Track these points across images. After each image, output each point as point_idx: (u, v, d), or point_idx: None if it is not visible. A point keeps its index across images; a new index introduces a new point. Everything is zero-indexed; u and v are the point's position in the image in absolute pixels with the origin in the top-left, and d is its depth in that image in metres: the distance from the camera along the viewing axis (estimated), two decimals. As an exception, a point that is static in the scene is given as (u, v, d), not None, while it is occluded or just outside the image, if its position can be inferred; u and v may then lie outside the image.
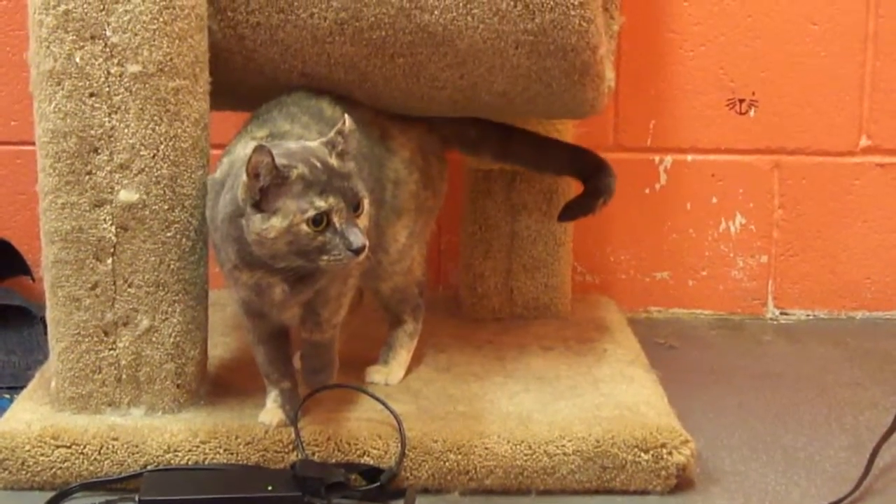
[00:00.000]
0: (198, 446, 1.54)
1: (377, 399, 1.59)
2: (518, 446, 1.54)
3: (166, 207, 1.56)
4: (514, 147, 1.84)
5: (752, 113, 2.18)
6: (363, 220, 1.43)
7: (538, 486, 1.55)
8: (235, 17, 1.60)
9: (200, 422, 1.57)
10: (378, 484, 1.50)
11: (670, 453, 1.55)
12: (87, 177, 1.54)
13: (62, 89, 1.52)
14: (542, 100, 1.67)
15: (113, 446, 1.53)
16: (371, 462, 1.53)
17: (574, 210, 1.86)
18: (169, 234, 1.57)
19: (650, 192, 2.21)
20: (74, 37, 1.51)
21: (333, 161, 1.43)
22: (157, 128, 1.54)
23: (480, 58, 1.61)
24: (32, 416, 1.59)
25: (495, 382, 1.72)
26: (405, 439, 1.53)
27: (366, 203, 1.44)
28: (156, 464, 1.53)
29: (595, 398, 1.66)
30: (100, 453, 1.53)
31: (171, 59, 1.53)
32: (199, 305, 1.61)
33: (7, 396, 1.80)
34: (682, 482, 1.57)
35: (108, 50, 1.52)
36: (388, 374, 1.74)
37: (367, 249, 1.40)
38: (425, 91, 1.65)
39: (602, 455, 1.54)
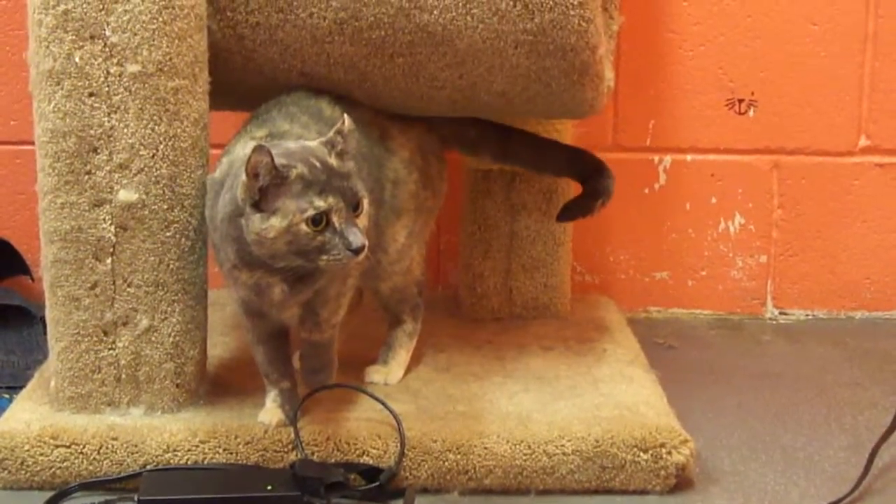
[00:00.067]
0: (197, 446, 1.54)
1: (376, 399, 1.59)
2: (517, 446, 1.54)
3: (165, 207, 1.56)
4: (514, 148, 1.84)
5: (751, 113, 2.18)
6: (362, 220, 1.43)
7: (537, 485, 1.55)
8: (235, 16, 1.60)
9: (200, 421, 1.57)
10: (377, 484, 1.50)
11: (669, 453, 1.55)
12: (87, 176, 1.54)
13: (61, 89, 1.52)
14: (542, 100, 1.67)
15: (112, 446, 1.53)
16: (370, 462, 1.53)
17: (572, 211, 1.87)
18: (168, 234, 1.57)
19: (649, 192, 2.21)
20: (74, 36, 1.51)
21: (333, 161, 1.43)
22: (156, 127, 1.54)
23: (480, 57, 1.61)
24: (32, 415, 1.59)
25: (495, 382, 1.73)
26: (404, 439, 1.53)
27: (365, 203, 1.44)
28: (155, 463, 1.53)
29: (594, 398, 1.66)
30: (99, 453, 1.53)
31: (170, 59, 1.53)
32: (199, 305, 1.61)
33: (6, 396, 1.80)
34: (682, 482, 1.57)
35: (107, 50, 1.52)
36: (388, 373, 1.74)
37: (366, 249, 1.40)
38: (425, 91, 1.65)
39: (601, 455, 1.54)
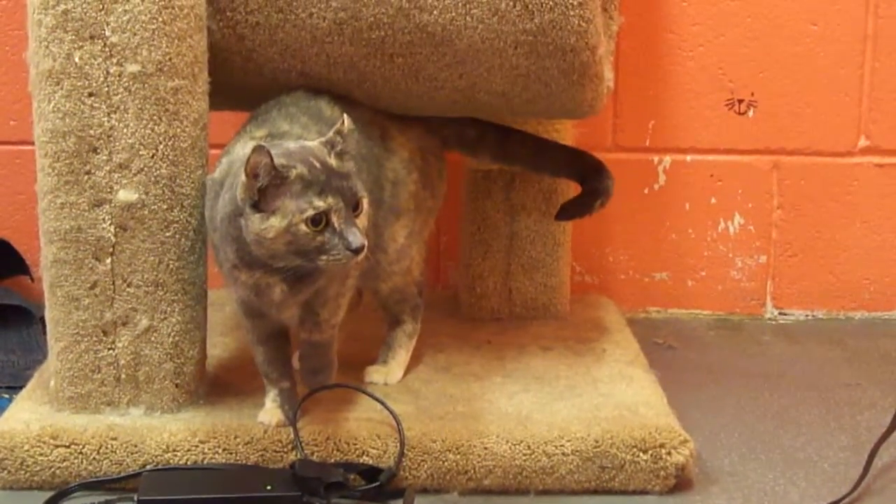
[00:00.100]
0: (197, 446, 1.54)
1: (376, 399, 1.60)
2: (517, 446, 1.54)
3: (165, 207, 1.56)
4: (513, 148, 1.84)
5: (751, 113, 2.18)
6: (362, 220, 1.43)
7: (537, 486, 1.55)
8: (234, 16, 1.60)
9: (199, 421, 1.57)
10: (377, 484, 1.50)
11: (669, 453, 1.55)
12: (86, 176, 1.54)
13: (61, 89, 1.52)
14: (541, 100, 1.67)
15: (112, 446, 1.53)
16: (370, 462, 1.53)
17: (571, 210, 1.87)
18: (168, 234, 1.57)
19: (649, 192, 2.21)
20: (73, 36, 1.51)
21: (332, 161, 1.43)
22: (156, 127, 1.54)
23: (479, 58, 1.61)
24: (31, 415, 1.59)
25: (494, 382, 1.73)
26: (404, 439, 1.53)
27: (365, 203, 1.44)
28: (155, 463, 1.53)
29: (594, 398, 1.66)
30: (99, 453, 1.53)
31: (170, 59, 1.53)
32: (198, 305, 1.61)
33: (6, 396, 1.80)
34: (681, 482, 1.57)
35: (107, 50, 1.52)
36: (387, 373, 1.74)
37: (366, 249, 1.41)
38: (424, 91, 1.65)
39: (601, 455, 1.54)
